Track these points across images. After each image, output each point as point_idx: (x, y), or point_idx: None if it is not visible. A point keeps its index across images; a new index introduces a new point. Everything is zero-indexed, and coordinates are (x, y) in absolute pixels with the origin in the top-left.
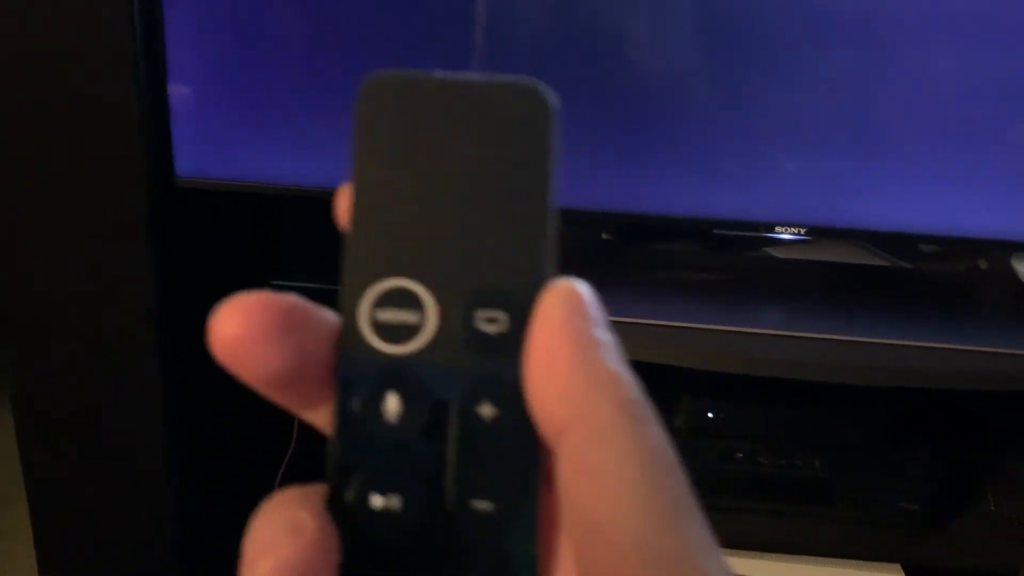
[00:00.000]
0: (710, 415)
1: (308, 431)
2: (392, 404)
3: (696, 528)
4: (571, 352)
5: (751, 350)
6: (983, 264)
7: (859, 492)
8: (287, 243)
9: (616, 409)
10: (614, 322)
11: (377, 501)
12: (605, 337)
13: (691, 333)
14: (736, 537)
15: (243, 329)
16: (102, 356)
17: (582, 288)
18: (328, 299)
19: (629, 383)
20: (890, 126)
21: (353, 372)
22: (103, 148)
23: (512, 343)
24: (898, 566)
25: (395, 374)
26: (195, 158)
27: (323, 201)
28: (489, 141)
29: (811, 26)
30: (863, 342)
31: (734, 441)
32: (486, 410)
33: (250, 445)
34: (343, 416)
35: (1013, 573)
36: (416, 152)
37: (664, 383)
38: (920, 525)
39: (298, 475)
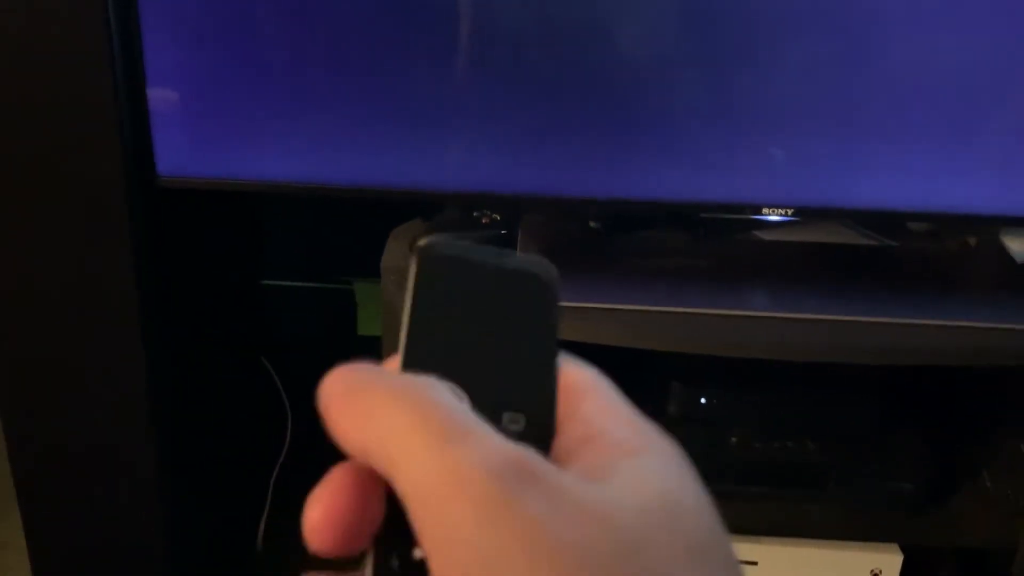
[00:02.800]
0: (703, 401)
1: (302, 432)
2: None
3: (468, 443)
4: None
5: (741, 333)
6: (972, 241)
7: (854, 474)
8: (273, 242)
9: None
10: (604, 309)
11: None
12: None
13: (681, 318)
14: (732, 522)
15: (329, 513)
16: (88, 361)
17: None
18: (311, 297)
19: (395, 381)
20: (875, 105)
21: None
22: (83, 149)
23: (529, 437)
24: (895, 546)
25: None
26: (177, 158)
27: (307, 199)
28: (512, 307)
29: (793, 8)
30: (854, 321)
31: (727, 426)
32: None
33: (242, 449)
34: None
35: (1010, 549)
36: (460, 312)
37: (656, 370)
38: (916, 505)
39: (292, 477)
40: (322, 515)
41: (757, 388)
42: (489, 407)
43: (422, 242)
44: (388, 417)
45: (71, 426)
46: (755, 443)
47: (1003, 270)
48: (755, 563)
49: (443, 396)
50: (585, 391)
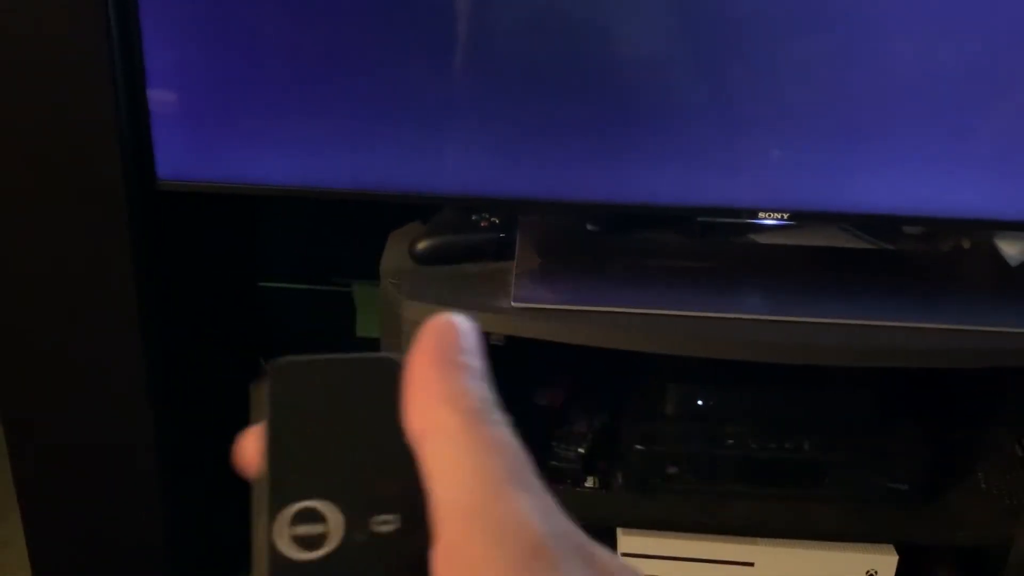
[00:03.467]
0: (699, 402)
1: None
2: None
3: (529, 496)
4: (431, 375)
5: (738, 336)
6: (966, 244)
7: (849, 473)
8: (272, 244)
9: (459, 416)
10: (601, 312)
11: None
12: (468, 361)
13: (678, 321)
14: (728, 522)
15: None
16: (88, 362)
17: (456, 321)
18: (310, 299)
19: (476, 395)
20: (871, 110)
21: None
22: (83, 153)
23: (404, 537)
24: (891, 547)
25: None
26: (176, 161)
27: (306, 201)
28: (367, 397)
29: (789, 13)
30: (848, 324)
31: (724, 426)
32: None
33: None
34: None
35: (1005, 547)
36: (317, 412)
37: (653, 371)
38: (911, 504)
39: None
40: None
41: (753, 389)
42: (359, 511)
43: (270, 365)
44: (453, 433)
45: (71, 426)
46: (751, 444)
47: (996, 273)
48: (751, 564)
49: (512, 440)
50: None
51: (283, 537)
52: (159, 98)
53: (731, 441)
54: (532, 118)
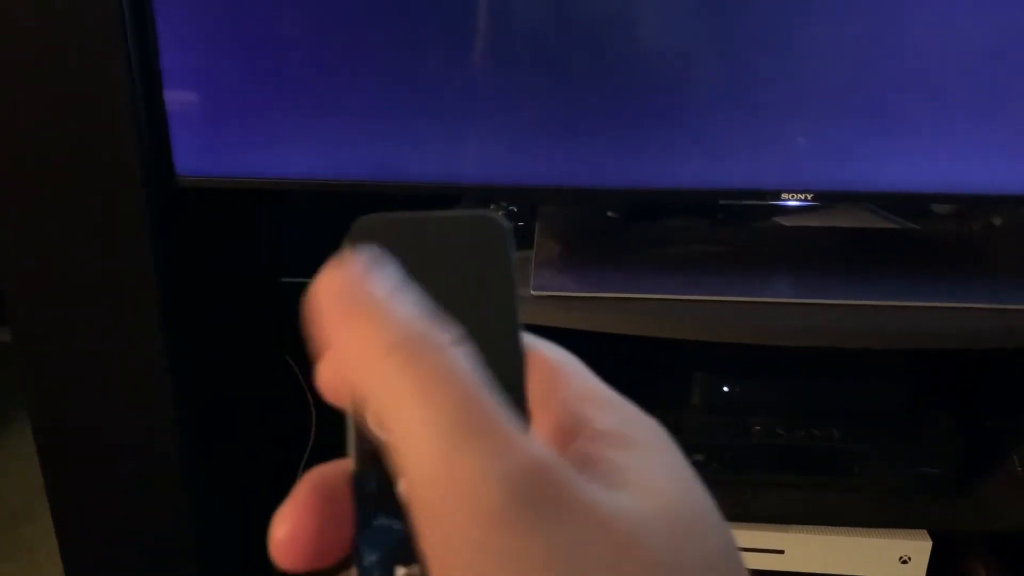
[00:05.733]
0: (725, 389)
1: (327, 428)
2: None
3: (490, 442)
4: (344, 324)
5: (764, 320)
6: (997, 221)
7: (880, 460)
8: (292, 239)
9: (392, 358)
10: (625, 299)
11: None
12: (378, 291)
13: (702, 306)
14: (758, 510)
15: (294, 532)
16: (113, 363)
17: (348, 261)
18: None
19: (400, 325)
20: (894, 86)
21: (364, 488)
22: (101, 152)
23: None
24: (924, 532)
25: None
26: (194, 157)
27: (326, 195)
28: (464, 260)
29: None
30: (878, 306)
31: (751, 414)
32: None
33: (268, 447)
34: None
35: None
36: (410, 275)
37: (678, 360)
38: (944, 490)
39: None
40: (287, 535)
41: (780, 375)
42: None
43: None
44: (390, 383)
45: (98, 427)
46: (779, 431)
47: None
48: (782, 551)
49: (459, 367)
50: (557, 373)
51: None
52: (176, 94)
53: (759, 429)
54: (547, 105)
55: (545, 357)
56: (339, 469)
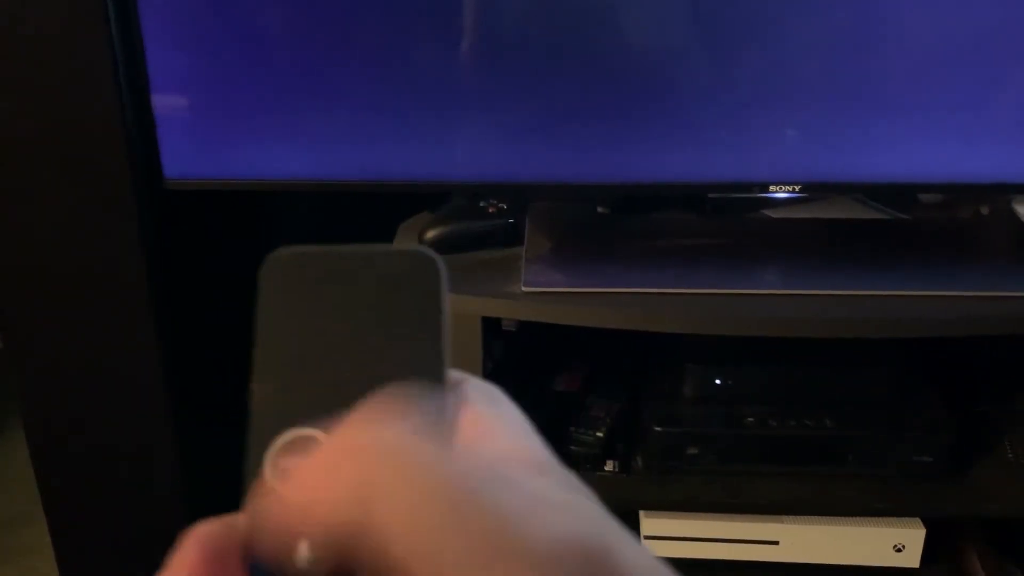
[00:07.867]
0: (717, 381)
1: None
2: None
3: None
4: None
5: (754, 312)
6: (985, 210)
7: (872, 448)
8: (281, 239)
9: None
10: (615, 293)
11: None
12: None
13: (692, 299)
14: (752, 501)
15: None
16: (107, 367)
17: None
18: None
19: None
20: (881, 76)
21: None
22: (91, 156)
23: None
24: (918, 520)
25: None
26: (182, 160)
27: (313, 195)
28: (380, 302)
29: None
30: (868, 295)
31: (743, 406)
32: None
33: None
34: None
35: None
36: (314, 316)
37: (670, 352)
38: (936, 477)
39: None
40: None
41: (771, 366)
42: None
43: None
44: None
45: (91, 430)
46: (772, 422)
47: (1017, 239)
48: (776, 542)
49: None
50: (484, 435)
51: (272, 471)
52: (163, 97)
53: (751, 419)
54: (536, 101)
55: (477, 411)
56: (227, 529)
